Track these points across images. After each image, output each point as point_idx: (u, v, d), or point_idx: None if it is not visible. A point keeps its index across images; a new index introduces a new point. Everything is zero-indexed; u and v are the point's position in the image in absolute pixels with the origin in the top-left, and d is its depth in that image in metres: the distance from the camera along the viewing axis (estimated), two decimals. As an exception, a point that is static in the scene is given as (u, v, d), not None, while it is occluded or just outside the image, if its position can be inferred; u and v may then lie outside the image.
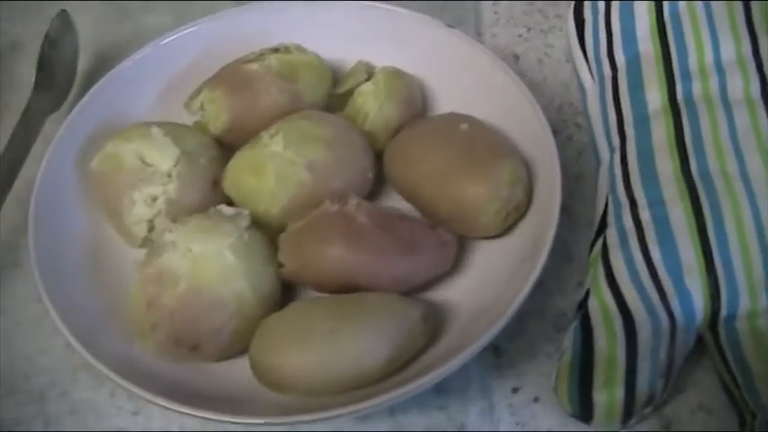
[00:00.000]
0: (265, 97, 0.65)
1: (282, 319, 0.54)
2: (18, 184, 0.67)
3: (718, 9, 0.65)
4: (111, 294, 0.60)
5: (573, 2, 0.72)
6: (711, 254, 0.55)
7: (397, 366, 0.54)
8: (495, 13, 0.80)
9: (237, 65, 0.66)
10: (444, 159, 0.60)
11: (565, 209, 0.58)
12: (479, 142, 0.60)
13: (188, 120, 0.67)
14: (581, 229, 0.64)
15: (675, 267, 0.55)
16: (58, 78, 0.74)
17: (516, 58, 0.76)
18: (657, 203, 0.58)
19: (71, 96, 0.75)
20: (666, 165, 0.59)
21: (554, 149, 0.59)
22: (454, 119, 0.62)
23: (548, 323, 0.60)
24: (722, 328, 0.55)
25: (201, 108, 0.66)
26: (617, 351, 0.53)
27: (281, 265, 0.58)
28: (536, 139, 0.61)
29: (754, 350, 0.53)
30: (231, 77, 0.66)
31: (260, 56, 0.66)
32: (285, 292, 0.59)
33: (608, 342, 0.54)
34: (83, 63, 0.78)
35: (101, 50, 0.80)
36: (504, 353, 0.59)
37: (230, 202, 0.61)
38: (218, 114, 0.65)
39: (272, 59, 0.66)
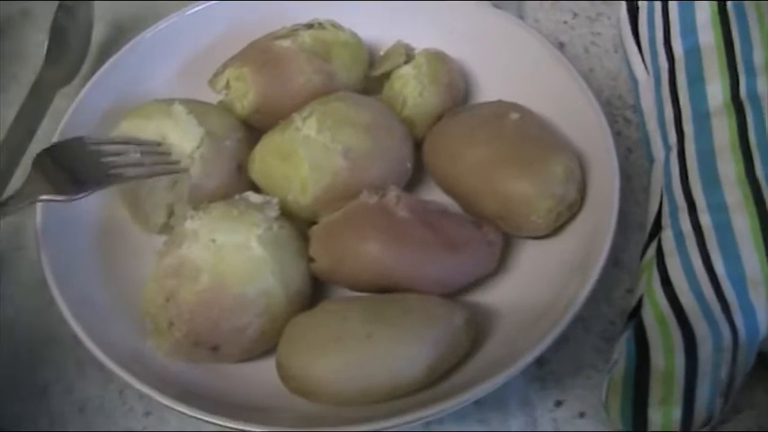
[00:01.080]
0: (297, 77, 0.60)
1: (313, 320, 0.50)
2: (26, 160, 0.63)
3: (786, 1, 0.61)
4: (124, 285, 0.56)
5: (625, -13, 0.68)
6: (779, 266, 0.51)
7: (437, 376, 0.50)
8: (540, -4, 0.75)
9: (267, 41, 0.62)
10: (491, 151, 0.56)
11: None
12: (530, 134, 0.57)
13: (212, 98, 0.63)
14: (631, 232, 0.60)
15: (739, 279, 0.51)
16: (71, 50, 0.70)
17: (561, 45, 0.72)
18: (719, 208, 0.54)
19: (84, 69, 0.71)
20: (729, 167, 0.55)
21: (611, 144, 0.56)
22: (502, 107, 0.59)
23: (594, 332, 0.57)
24: (787, 345, 0.51)
25: (227, 86, 0.62)
26: (675, 367, 0.49)
27: (312, 260, 0.54)
28: (590, 132, 0.58)
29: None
30: (260, 54, 0.61)
31: (292, 32, 0.62)
32: (316, 290, 0.55)
33: (665, 356, 0.50)
34: (97, 34, 0.74)
35: (117, 21, 0.76)
36: (546, 363, 0.55)
37: (257, 189, 0.57)
38: (245, 93, 0.61)
39: (306, 36, 0.61)
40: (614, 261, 0.59)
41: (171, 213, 0.57)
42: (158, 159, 0.56)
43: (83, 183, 0.52)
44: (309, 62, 0.60)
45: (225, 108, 0.61)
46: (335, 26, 0.63)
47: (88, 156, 0.54)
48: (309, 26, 0.63)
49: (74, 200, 0.52)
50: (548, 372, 0.55)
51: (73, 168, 0.53)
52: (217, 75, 0.62)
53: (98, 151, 0.55)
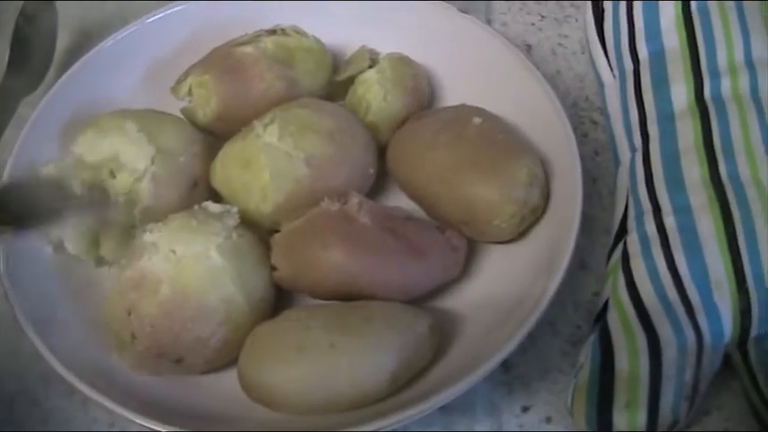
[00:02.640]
0: (259, 83, 0.60)
1: (276, 329, 0.49)
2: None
3: (750, 2, 0.61)
4: (85, 298, 0.56)
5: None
6: (742, 268, 0.51)
7: (402, 383, 0.49)
8: (507, -1, 0.75)
9: (230, 47, 0.61)
10: (454, 156, 0.55)
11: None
12: (493, 138, 0.56)
13: (174, 105, 0.62)
14: (597, 235, 0.60)
15: (703, 281, 0.51)
16: (34, 57, 0.69)
17: (528, 48, 0.72)
18: (684, 210, 0.54)
19: (48, 78, 0.70)
20: (693, 169, 0.55)
21: (574, 147, 0.56)
22: (465, 112, 0.58)
23: (561, 336, 0.56)
24: (752, 347, 0.51)
25: (189, 93, 0.61)
26: (640, 370, 0.49)
27: (274, 269, 0.53)
28: (553, 135, 0.57)
29: (786, 372, 0.49)
30: (222, 61, 0.61)
31: (254, 38, 0.61)
32: (278, 299, 0.55)
33: (630, 360, 0.50)
34: (62, 41, 0.73)
35: (82, 28, 0.75)
36: (513, 368, 0.55)
37: (218, 200, 0.56)
38: (207, 100, 0.60)
39: (268, 42, 0.61)
40: (581, 264, 0.59)
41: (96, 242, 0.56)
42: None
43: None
44: (271, 69, 0.60)
45: (187, 115, 0.61)
46: (298, 32, 0.62)
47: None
48: (272, 32, 0.62)
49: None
50: (514, 376, 0.55)
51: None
52: (179, 82, 0.62)
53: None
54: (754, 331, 0.50)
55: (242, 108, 0.59)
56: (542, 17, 0.74)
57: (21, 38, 0.69)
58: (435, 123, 0.58)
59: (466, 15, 0.64)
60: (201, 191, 0.57)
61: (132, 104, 0.61)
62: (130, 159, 0.56)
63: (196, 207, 0.54)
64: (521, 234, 0.56)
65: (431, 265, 0.53)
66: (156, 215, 0.55)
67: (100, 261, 0.57)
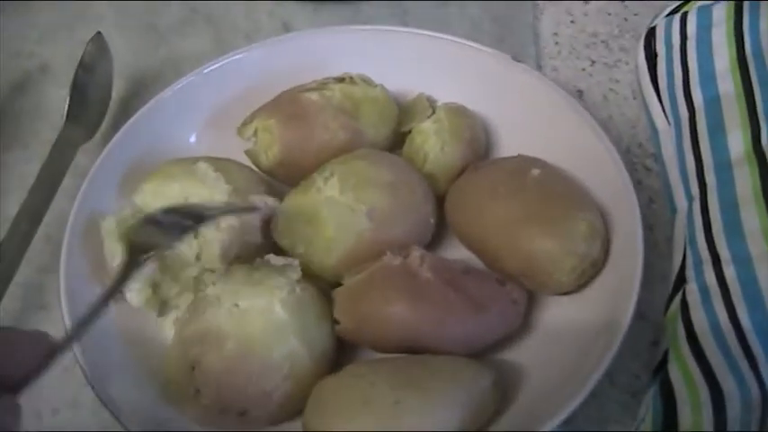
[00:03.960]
0: (323, 132, 0.60)
1: (341, 384, 0.50)
2: (47, 219, 0.62)
3: (805, 45, 0.60)
4: (145, 350, 0.56)
5: (643, 33, 0.68)
6: (806, 318, 0.50)
7: (465, 438, 0.49)
8: (557, 44, 0.75)
9: (297, 92, 0.62)
10: (514, 208, 0.56)
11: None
12: (552, 190, 0.56)
13: (230, 152, 0.63)
14: (654, 284, 0.59)
15: (766, 333, 0.50)
16: (91, 106, 0.70)
17: (580, 93, 0.71)
18: (743, 260, 0.53)
19: (104, 126, 0.71)
20: (753, 218, 0.54)
21: (634, 198, 0.56)
22: (524, 163, 0.58)
23: (619, 387, 0.56)
24: (816, 400, 0.50)
25: (255, 135, 0.61)
26: (704, 424, 0.49)
27: (336, 322, 0.53)
28: (612, 186, 0.57)
29: None
30: (288, 106, 0.61)
31: (322, 84, 0.62)
32: (341, 351, 0.55)
33: (693, 414, 0.49)
34: (117, 90, 0.73)
35: (137, 76, 0.76)
36: (572, 419, 0.54)
37: (277, 251, 0.56)
38: (270, 145, 0.61)
39: (335, 90, 0.61)
40: (638, 314, 0.57)
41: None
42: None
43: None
44: (336, 118, 0.60)
45: (247, 166, 0.61)
46: (366, 81, 0.63)
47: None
48: (340, 80, 0.62)
49: None
50: (573, 428, 0.54)
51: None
52: (245, 124, 0.62)
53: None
54: (817, 383, 0.49)
55: (304, 155, 0.60)
56: (592, 62, 0.74)
57: (79, 86, 0.69)
58: (494, 174, 0.58)
59: (520, 64, 0.64)
60: (265, 242, 0.58)
61: (192, 153, 0.62)
62: (201, 200, 0.56)
63: (258, 260, 0.54)
64: (581, 286, 0.56)
65: (492, 319, 0.53)
66: (235, 252, 0.55)
67: (161, 311, 0.58)
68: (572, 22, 0.76)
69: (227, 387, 0.50)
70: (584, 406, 0.54)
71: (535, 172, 0.57)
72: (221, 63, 0.66)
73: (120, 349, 0.56)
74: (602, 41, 0.75)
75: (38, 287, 0.63)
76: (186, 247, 0.56)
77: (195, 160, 0.59)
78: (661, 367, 0.52)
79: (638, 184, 0.65)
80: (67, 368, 0.57)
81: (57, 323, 0.55)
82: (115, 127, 0.65)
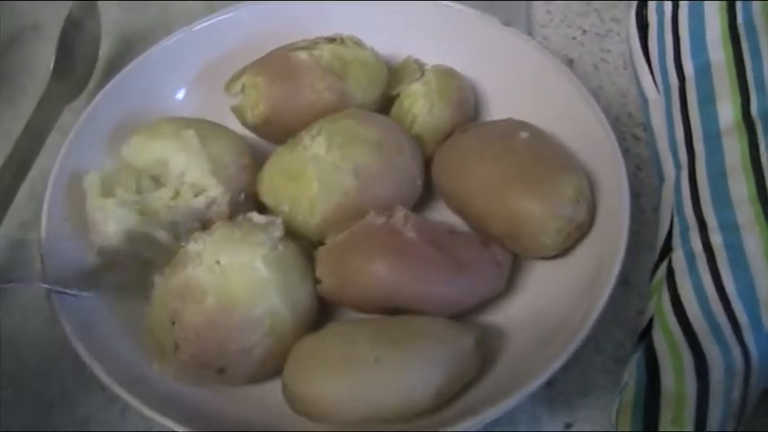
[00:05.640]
0: (309, 92, 0.60)
1: (321, 343, 0.49)
2: (32, 175, 0.62)
3: (797, 16, 0.60)
4: (127, 306, 0.55)
5: (634, 3, 0.67)
6: (791, 286, 0.50)
7: (446, 399, 0.49)
8: (549, 12, 0.75)
9: (287, 51, 0.61)
10: (501, 170, 0.55)
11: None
12: (539, 153, 0.56)
13: (220, 114, 0.62)
14: (640, 251, 0.59)
15: (751, 300, 0.50)
16: (78, 64, 0.70)
17: (570, 62, 0.71)
18: (730, 228, 0.53)
19: (91, 84, 0.71)
20: (740, 186, 0.54)
21: (622, 164, 0.55)
22: (512, 126, 0.58)
23: (604, 353, 0.56)
24: (801, 367, 0.50)
25: (242, 91, 0.61)
26: (686, 389, 0.49)
27: (318, 282, 0.53)
28: (599, 151, 0.57)
29: (836, 393, 0.49)
30: (277, 64, 0.61)
31: (312, 44, 0.61)
32: (322, 312, 0.55)
33: (676, 379, 0.49)
34: (105, 48, 0.73)
35: (125, 35, 0.76)
36: (555, 384, 0.55)
37: (260, 211, 0.56)
38: (256, 102, 0.60)
39: (325, 50, 0.61)
40: (624, 281, 0.58)
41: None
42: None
43: None
44: (323, 78, 0.60)
45: (233, 131, 0.61)
46: (357, 43, 0.62)
47: None
48: (331, 40, 0.62)
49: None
50: (557, 393, 0.54)
51: None
52: (234, 79, 0.62)
53: None
54: (802, 350, 0.50)
55: (290, 114, 0.60)
56: (584, 31, 0.73)
57: (66, 44, 0.69)
58: (481, 137, 0.58)
59: (510, 28, 0.64)
60: (247, 203, 0.58)
61: (179, 111, 0.62)
62: (181, 165, 0.56)
63: (240, 217, 0.54)
64: (566, 250, 0.55)
65: (475, 280, 0.53)
66: (202, 224, 0.55)
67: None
68: (565, -9, 0.76)
69: (207, 342, 0.49)
70: (568, 372, 0.54)
71: (523, 135, 0.56)
72: (211, 21, 0.66)
73: (101, 306, 0.55)
74: (595, 10, 0.75)
75: (21, 243, 0.63)
76: (161, 205, 0.56)
77: (187, 124, 0.58)
78: (645, 334, 0.52)
79: (626, 152, 0.65)
80: (45, 326, 0.58)
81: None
82: (102, 86, 0.64)
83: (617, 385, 0.52)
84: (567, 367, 0.53)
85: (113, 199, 0.56)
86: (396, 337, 0.48)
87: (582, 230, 0.55)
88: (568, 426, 0.53)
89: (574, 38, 0.73)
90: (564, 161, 0.56)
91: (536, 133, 0.57)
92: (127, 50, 0.74)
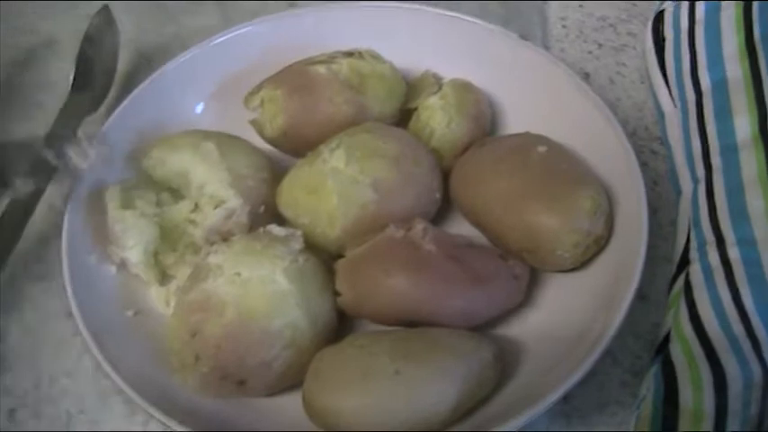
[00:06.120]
0: (327, 106, 0.60)
1: (340, 355, 0.49)
2: (50, 189, 0.62)
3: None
4: (148, 317, 0.56)
5: (650, 17, 0.68)
6: (809, 301, 0.50)
7: (464, 411, 0.49)
8: (564, 27, 0.75)
9: (305, 65, 0.62)
10: (518, 184, 0.55)
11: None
12: (557, 167, 0.56)
13: (238, 128, 0.63)
14: (657, 265, 0.59)
15: None
16: (96, 78, 0.70)
17: (586, 76, 0.71)
18: (748, 243, 0.53)
19: (109, 98, 0.71)
20: (758, 201, 0.54)
21: (639, 177, 0.55)
22: (530, 140, 0.58)
23: (621, 367, 0.56)
24: (819, 382, 0.50)
25: (261, 105, 0.61)
26: (705, 405, 0.48)
27: (338, 294, 0.53)
28: (617, 164, 0.57)
29: None
30: (296, 78, 0.61)
31: (330, 58, 0.62)
32: (341, 324, 0.55)
33: (694, 394, 0.49)
34: (122, 63, 0.74)
35: (142, 51, 0.76)
36: (572, 399, 0.54)
37: (279, 223, 0.56)
38: (275, 115, 0.61)
39: (343, 64, 0.61)
40: (640, 294, 0.58)
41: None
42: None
43: None
44: (341, 92, 0.60)
45: (252, 145, 0.61)
46: (375, 57, 0.63)
47: None
48: (349, 54, 0.62)
49: None
50: (573, 408, 0.54)
51: None
52: (252, 93, 0.62)
53: None
54: (820, 365, 0.49)
55: (308, 128, 0.60)
56: (600, 45, 0.74)
57: (84, 59, 0.69)
58: (499, 150, 0.58)
59: (527, 42, 0.64)
60: (267, 216, 0.58)
61: (198, 124, 0.63)
62: (201, 178, 0.57)
63: (260, 230, 0.54)
64: (584, 263, 0.55)
65: (493, 293, 0.53)
66: (221, 236, 0.55)
67: (163, 280, 0.58)
68: (580, 6, 0.77)
69: (227, 355, 0.49)
70: (585, 385, 0.54)
71: (540, 149, 0.56)
72: (228, 36, 0.66)
73: (123, 319, 0.56)
74: (610, 25, 0.75)
75: (38, 257, 0.63)
76: (181, 218, 0.57)
77: (207, 137, 0.59)
78: (663, 347, 0.52)
79: (643, 166, 0.64)
80: (64, 339, 0.58)
81: (56, 293, 0.56)
82: (121, 99, 0.65)
83: (634, 399, 0.52)
84: (583, 381, 0.53)
85: (133, 211, 0.56)
86: (415, 350, 0.48)
87: (600, 244, 0.55)
88: (585, 440, 0.53)
89: (590, 52, 0.73)
90: (581, 175, 0.56)
91: (553, 147, 0.57)
92: (145, 65, 0.74)
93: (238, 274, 0.50)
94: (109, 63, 0.71)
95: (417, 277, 0.51)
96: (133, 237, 0.56)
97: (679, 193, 0.60)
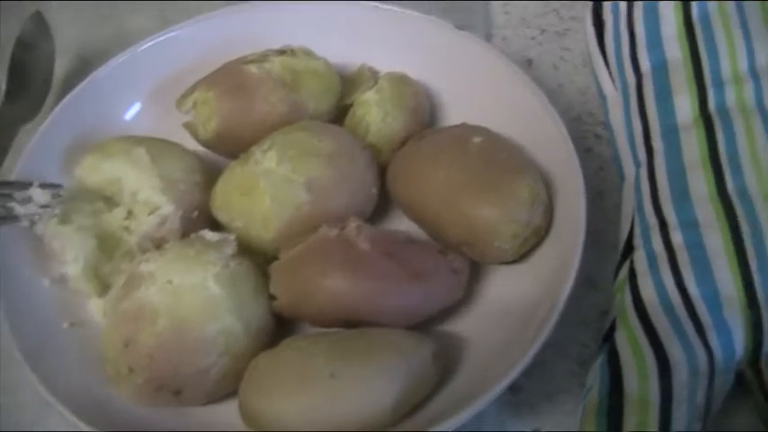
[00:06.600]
0: (261, 105, 0.59)
1: (276, 359, 0.49)
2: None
3: (752, 9, 0.60)
4: (85, 327, 0.55)
5: (591, 1, 0.67)
6: (752, 282, 0.50)
7: (406, 410, 0.49)
8: (506, 13, 0.75)
9: (237, 65, 0.61)
10: (455, 177, 0.55)
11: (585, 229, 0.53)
12: (494, 157, 0.55)
13: (174, 130, 0.62)
14: (603, 252, 0.59)
15: (713, 298, 0.50)
16: (32, 85, 0.69)
17: (529, 62, 0.71)
18: (691, 225, 0.53)
19: (47, 104, 0.70)
20: (700, 183, 0.54)
21: (577, 165, 0.55)
22: (466, 131, 0.57)
23: (568, 356, 0.55)
24: (765, 364, 0.50)
25: (194, 107, 0.61)
26: (650, 392, 0.48)
27: (273, 298, 0.52)
28: (556, 153, 0.57)
29: (800, 389, 0.48)
30: (228, 79, 0.60)
31: (263, 57, 0.61)
32: (279, 327, 0.54)
33: (639, 382, 0.49)
34: (60, 67, 0.73)
35: (80, 53, 0.75)
36: (520, 390, 0.54)
37: (214, 227, 0.56)
38: (208, 117, 0.60)
39: (276, 63, 0.60)
40: (588, 282, 0.58)
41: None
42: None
43: None
44: (275, 91, 0.59)
45: (185, 148, 0.60)
46: (308, 54, 0.62)
47: None
48: (281, 52, 0.61)
49: None
50: (522, 399, 0.54)
51: None
52: (185, 96, 0.61)
53: None
54: (766, 347, 0.49)
55: (242, 128, 0.59)
56: (543, 31, 0.73)
57: (18, 65, 0.69)
58: (436, 143, 0.57)
59: (463, 32, 0.64)
60: (201, 220, 0.57)
61: (133, 128, 0.62)
62: (132, 185, 0.56)
63: (193, 236, 0.53)
64: (525, 254, 0.55)
65: (432, 289, 0.52)
66: (155, 243, 0.55)
67: (102, 291, 0.57)
68: (523, -9, 0.76)
69: (161, 365, 0.49)
70: (533, 377, 0.54)
71: (477, 140, 0.56)
72: (160, 38, 0.66)
73: (61, 332, 0.55)
74: (553, 10, 0.75)
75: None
76: (116, 225, 0.56)
77: (138, 142, 0.58)
78: (609, 336, 0.52)
79: (587, 151, 0.65)
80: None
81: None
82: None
83: (582, 389, 0.51)
84: (531, 372, 0.53)
85: (70, 225, 0.55)
86: (352, 351, 0.48)
87: (539, 234, 0.55)
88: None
89: (533, 38, 0.73)
90: (519, 165, 0.56)
91: (490, 138, 0.57)
92: (84, 68, 0.73)
93: (170, 282, 0.50)
94: (44, 68, 0.71)
95: (353, 277, 0.50)
96: (72, 251, 0.55)
97: (623, 178, 0.60)
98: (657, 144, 0.57)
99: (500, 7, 0.75)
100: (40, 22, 0.70)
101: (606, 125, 0.63)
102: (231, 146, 0.59)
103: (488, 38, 0.72)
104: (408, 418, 0.49)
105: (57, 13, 0.73)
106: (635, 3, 0.63)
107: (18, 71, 0.68)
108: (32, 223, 0.55)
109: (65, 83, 0.73)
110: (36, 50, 0.70)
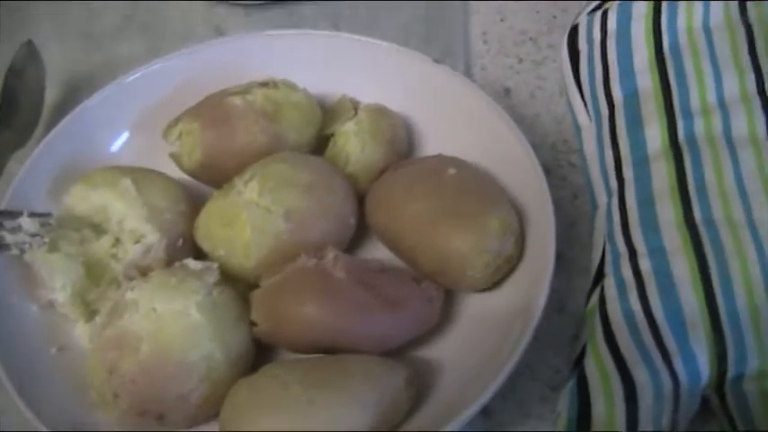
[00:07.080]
0: (243, 136, 0.61)
1: (254, 386, 0.50)
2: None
3: (721, 40, 0.61)
4: (72, 352, 0.57)
5: (566, 32, 0.69)
6: (717, 310, 0.51)
7: (381, 435, 0.50)
8: (485, 42, 0.76)
9: (221, 97, 0.62)
10: (430, 207, 0.56)
11: (559, 256, 0.55)
12: (467, 189, 0.57)
13: (163, 156, 0.63)
14: (576, 278, 0.60)
15: (679, 325, 0.51)
16: (22, 113, 0.70)
17: (507, 91, 0.72)
18: (658, 253, 0.54)
19: (37, 133, 0.71)
20: (668, 211, 0.55)
21: (548, 197, 0.56)
22: (441, 163, 0.59)
23: (540, 381, 0.57)
24: (729, 390, 0.51)
25: (179, 138, 0.62)
26: (616, 418, 0.49)
27: (254, 324, 0.54)
28: (528, 184, 0.58)
29: (763, 414, 0.50)
30: (212, 110, 0.62)
31: (246, 89, 0.62)
32: (261, 353, 0.55)
33: (606, 407, 0.50)
34: (50, 96, 0.74)
35: (70, 81, 0.76)
36: (493, 414, 0.55)
37: (199, 256, 0.57)
38: (192, 148, 0.61)
39: (258, 95, 0.62)
40: (559, 307, 0.59)
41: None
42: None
43: None
44: (257, 122, 0.61)
45: (171, 178, 0.62)
46: (289, 86, 0.63)
47: None
48: (264, 84, 0.63)
49: None
50: (495, 423, 0.55)
51: None
52: (171, 126, 0.63)
53: None
54: (731, 373, 0.51)
55: (225, 158, 0.61)
56: (520, 60, 0.74)
57: (9, 93, 0.69)
58: (411, 174, 0.59)
59: (440, 65, 0.65)
60: (186, 247, 0.59)
61: (120, 157, 0.64)
62: (119, 214, 0.57)
63: (176, 264, 0.55)
64: (498, 282, 0.56)
65: (406, 317, 0.54)
66: (141, 271, 0.56)
67: (89, 317, 0.58)
68: (501, 20, 0.77)
69: (144, 391, 0.50)
70: (506, 401, 0.55)
71: (451, 171, 0.57)
72: (148, 69, 0.67)
73: (49, 358, 0.56)
74: (531, 39, 0.76)
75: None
76: (103, 253, 0.57)
77: (125, 173, 0.59)
78: (579, 361, 0.53)
79: (562, 180, 0.66)
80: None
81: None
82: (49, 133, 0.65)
83: (553, 414, 0.53)
84: (504, 397, 0.55)
85: (59, 253, 0.57)
86: (327, 378, 0.49)
87: (511, 263, 0.56)
88: (507, 456, 0.54)
89: (511, 67, 0.74)
90: (491, 196, 0.57)
91: (464, 169, 0.58)
92: (73, 98, 0.74)
93: (154, 310, 0.51)
94: (35, 96, 0.71)
95: (329, 305, 0.52)
96: (60, 278, 0.56)
97: (595, 206, 0.61)
98: (628, 173, 0.58)
99: (479, 36, 0.76)
100: (31, 50, 0.71)
101: (580, 154, 0.65)
102: (215, 175, 0.61)
103: (467, 68, 0.73)
104: (383, 443, 0.50)
105: (47, 41, 0.74)
106: (609, 32, 0.64)
107: (9, 99, 0.69)
108: (22, 251, 0.57)
109: (55, 111, 0.74)
110: (27, 79, 0.71)
